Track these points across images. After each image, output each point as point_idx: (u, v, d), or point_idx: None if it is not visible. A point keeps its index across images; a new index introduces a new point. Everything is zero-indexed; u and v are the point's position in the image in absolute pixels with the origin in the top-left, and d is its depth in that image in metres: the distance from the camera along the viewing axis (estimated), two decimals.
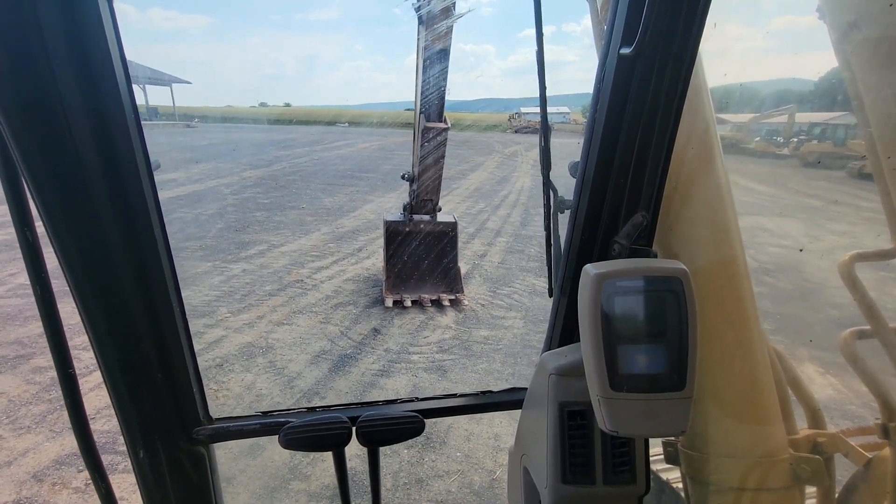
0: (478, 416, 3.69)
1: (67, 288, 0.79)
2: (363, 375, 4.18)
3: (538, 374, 0.99)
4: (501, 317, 5.42)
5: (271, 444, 3.27)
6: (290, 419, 1.01)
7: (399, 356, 4.53)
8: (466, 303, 5.63)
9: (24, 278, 5.78)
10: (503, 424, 3.63)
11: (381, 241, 5.97)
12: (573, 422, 0.90)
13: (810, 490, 1.09)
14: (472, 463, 3.24)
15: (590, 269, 0.75)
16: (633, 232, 0.89)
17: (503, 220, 9.46)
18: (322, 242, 7.84)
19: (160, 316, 0.87)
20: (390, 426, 0.99)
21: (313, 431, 0.95)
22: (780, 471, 0.92)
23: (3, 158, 0.67)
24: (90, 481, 2.94)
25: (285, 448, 0.96)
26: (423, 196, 5.57)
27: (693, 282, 0.73)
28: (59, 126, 0.68)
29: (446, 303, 5.57)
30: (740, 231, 0.97)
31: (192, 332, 0.96)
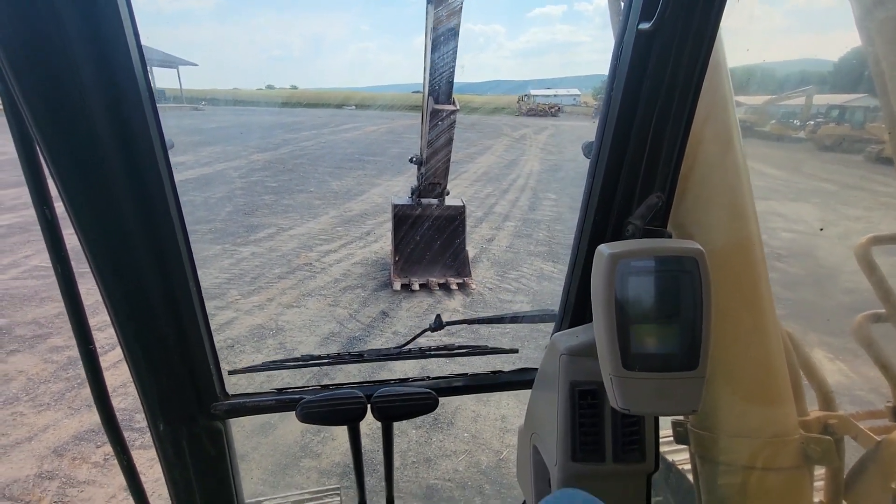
0: (485, 397, 3.74)
1: (85, 267, 0.81)
2: None
3: (549, 354, 1.00)
4: (509, 301, 5.43)
5: (283, 422, 3.35)
6: (304, 395, 1.03)
7: (407, 339, 4.57)
8: (474, 286, 5.64)
9: (38, 260, 5.88)
10: (510, 406, 3.67)
11: (389, 225, 5.97)
12: (584, 401, 0.91)
13: (818, 472, 1.09)
14: (479, 443, 3.29)
15: (604, 250, 0.74)
16: (648, 213, 0.88)
17: (511, 205, 9.41)
18: (330, 226, 7.86)
19: (177, 294, 0.89)
20: (404, 402, 1.00)
21: (329, 406, 0.97)
22: (791, 451, 0.93)
23: (22, 139, 0.68)
24: (108, 456, 3.04)
25: (302, 422, 0.98)
26: (432, 179, 5.54)
27: (708, 262, 0.72)
28: (77, 107, 0.68)
29: (454, 286, 5.59)
30: (757, 212, 0.96)
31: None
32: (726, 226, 0.94)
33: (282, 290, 5.49)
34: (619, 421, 0.91)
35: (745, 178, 0.95)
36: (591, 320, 1.03)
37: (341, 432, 3.29)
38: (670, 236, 0.90)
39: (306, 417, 0.98)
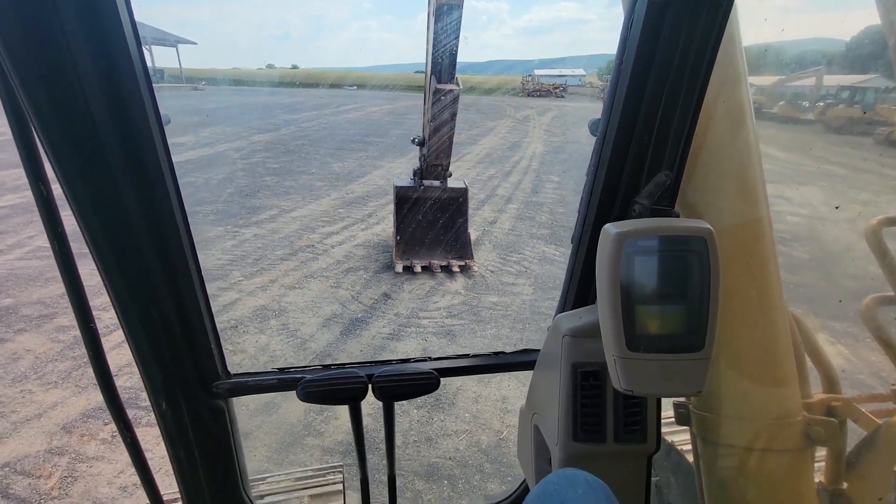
0: (486, 379, 3.77)
1: (86, 249, 0.80)
2: (374, 338, 4.26)
3: (552, 335, 0.99)
4: (511, 283, 5.43)
5: (286, 401, 3.39)
6: (305, 375, 1.03)
7: (409, 320, 4.59)
8: (476, 269, 5.64)
9: (42, 240, 5.89)
10: (511, 388, 3.71)
11: (391, 207, 5.94)
12: (586, 382, 0.91)
13: (819, 454, 1.10)
14: (479, 423, 3.33)
15: (610, 229, 0.73)
16: (656, 192, 0.86)
17: (514, 187, 9.34)
18: (332, 208, 7.83)
19: (178, 274, 0.88)
20: (406, 382, 1.00)
21: (331, 385, 0.98)
22: (794, 433, 0.93)
23: (16, 117, 0.67)
24: (115, 433, 3.09)
25: (303, 401, 0.98)
26: (433, 161, 5.48)
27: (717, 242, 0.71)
28: (71, 84, 0.67)
29: (456, 269, 5.59)
30: (767, 192, 0.93)
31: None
32: (736, 206, 0.92)
33: (284, 271, 5.50)
34: (620, 402, 0.91)
35: (757, 158, 0.93)
36: (594, 301, 1.02)
37: (343, 412, 3.33)
38: (678, 216, 0.88)
39: (307, 397, 0.98)
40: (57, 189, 0.73)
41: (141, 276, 0.85)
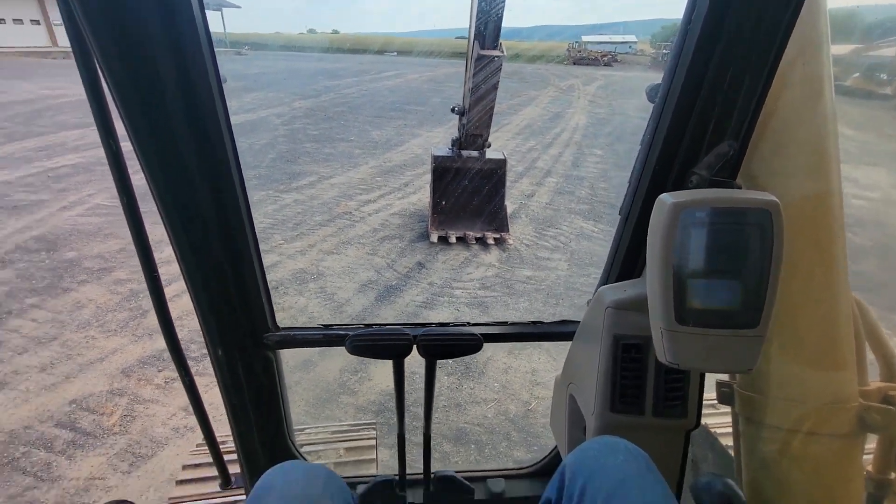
0: (517, 350, 3.80)
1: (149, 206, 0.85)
2: (407, 306, 4.35)
3: (594, 306, 0.98)
4: (546, 258, 5.37)
5: (323, 360, 3.54)
6: (349, 332, 1.07)
7: (442, 290, 4.65)
8: (511, 242, 5.60)
9: (101, 198, 6.27)
10: (541, 361, 3.72)
11: (428, 177, 5.92)
12: (627, 354, 0.90)
13: (868, 446, 1.05)
14: (508, 393, 3.38)
15: (666, 198, 0.70)
16: (716, 162, 0.82)
17: (554, 160, 9.09)
18: (370, 176, 7.90)
19: (234, 229, 0.93)
20: (450, 341, 1.02)
21: (378, 340, 1.01)
22: (847, 418, 0.89)
23: (89, 75, 0.71)
24: (168, 380, 3.33)
25: (351, 353, 1.02)
26: (473, 130, 5.38)
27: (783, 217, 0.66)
28: (141, 45, 0.71)
29: (491, 241, 5.57)
30: (841, 168, 0.86)
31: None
32: (806, 180, 0.85)
33: (322, 237, 5.64)
34: (662, 376, 0.90)
35: (833, 130, 0.85)
36: (640, 275, 1.00)
37: (376, 372, 3.45)
38: (740, 188, 0.83)
39: (355, 350, 1.01)
40: (126, 146, 0.77)
41: (201, 231, 0.90)
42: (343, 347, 1.00)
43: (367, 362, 3.53)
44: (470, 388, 3.38)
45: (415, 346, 1.04)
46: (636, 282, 0.95)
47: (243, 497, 1.53)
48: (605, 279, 1.08)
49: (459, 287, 4.71)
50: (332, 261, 5.09)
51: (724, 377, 1.03)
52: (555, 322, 1.22)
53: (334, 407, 3.17)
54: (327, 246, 5.42)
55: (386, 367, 3.53)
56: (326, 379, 3.40)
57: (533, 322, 1.22)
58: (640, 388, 0.91)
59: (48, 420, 2.94)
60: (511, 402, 3.30)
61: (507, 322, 1.21)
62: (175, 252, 0.89)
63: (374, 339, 1.01)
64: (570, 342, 1.14)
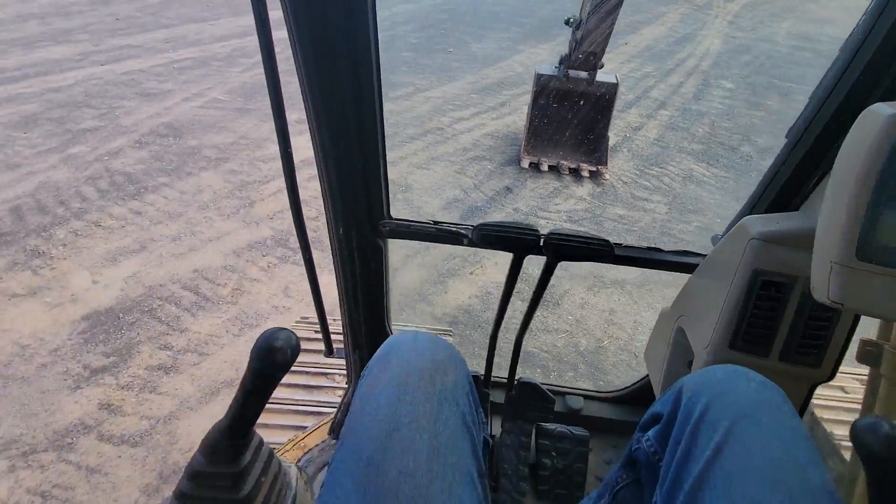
0: (596, 287, 3.70)
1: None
2: None
3: (733, 237, 0.88)
4: (644, 198, 4.98)
5: (405, 267, 3.72)
6: (461, 231, 1.07)
7: (527, 217, 4.54)
8: (608, 177, 5.23)
9: (217, 92, 6.73)
10: (620, 301, 3.60)
11: (526, 98, 5.54)
12: (764, 291, 0.81)
13: None
14: (581, 328, 3.35)
15: (881, 109, 0.56)
16: None
17: (672, 90, 8.04)
18: (465, 92, 7.60)
19: (365, 117, 0.96)
20: (581, 244, 0.98)
21: (506, 233, 1.00)
22: None
23: None
24: (270, 265, 3.70)
25: (476, 243, 1.03)
26: (587, 48, 4.83)
27: None
28: None
29: (585, 173, 5.24)
30: None
31: None
32: None
33: (413, 150, 5.67)
34: (803, 318, 0.80)
35: None
36: (796, 209, 0.87)
37: (453, 287, 3.57)
38: None
39: (482, 239, 1.00)
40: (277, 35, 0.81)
41: (337, 115, 0.93)
42: (447, 246, 1.00)
43: (447, 276, 3.65)
44: (542, 317, 3.39)
45: (543, 245, 1.00)
46: (791, 215, 0.85)
47: (343, 366, 1.73)
48: (751, 209, 0.97)
49: (545, 217, 4.58)
50: (420, 175, 5.14)
51: (872, 336, 0.92)
52: (676, 251, 1.12)
53: (410, 313, 3.37)
54: (417, 160, 5.45)
55: (463, 282, 3.63)
56: (407, 287, 3.59)
57: (651, 248, 1.13)
58: (770, 329, 0.83)
59: (177, 282, 3.46)
60: (583, 336, 3.29)
61: (621, 244, 1.12)
62: (313, 133, 0.94)
63: (503, 231, 0.99)
64: (689, 275, 1.06)
